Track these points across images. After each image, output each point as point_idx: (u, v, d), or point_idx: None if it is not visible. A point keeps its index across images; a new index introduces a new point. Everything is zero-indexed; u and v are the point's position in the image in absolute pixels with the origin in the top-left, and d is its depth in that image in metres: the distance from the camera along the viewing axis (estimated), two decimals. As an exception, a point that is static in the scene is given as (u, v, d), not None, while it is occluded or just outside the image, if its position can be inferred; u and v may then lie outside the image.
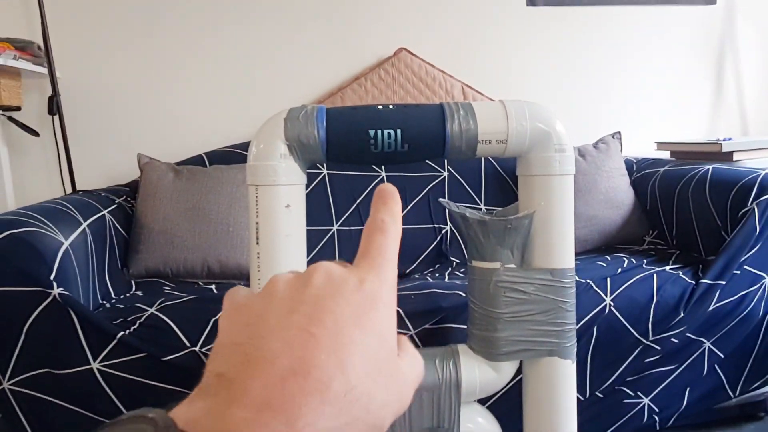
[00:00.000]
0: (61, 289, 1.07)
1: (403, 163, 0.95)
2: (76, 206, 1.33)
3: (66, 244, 1.16)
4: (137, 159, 1.63)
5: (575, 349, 0.95)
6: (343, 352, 0.22)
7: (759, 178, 1.40)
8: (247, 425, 0.19)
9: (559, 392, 0.93)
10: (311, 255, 1.67)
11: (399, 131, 0.87)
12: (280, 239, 0.86)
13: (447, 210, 1.75)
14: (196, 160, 1.77)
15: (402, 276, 1.67)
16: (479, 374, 0.92)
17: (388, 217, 0.28)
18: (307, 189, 1.73)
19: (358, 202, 1.74)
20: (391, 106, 0.90)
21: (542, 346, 0.92)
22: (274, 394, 0.20)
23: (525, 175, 0.94)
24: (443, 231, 1.75)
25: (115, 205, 1.52)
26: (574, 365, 0.94)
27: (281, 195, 0.86)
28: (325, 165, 1.76)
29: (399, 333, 0.26)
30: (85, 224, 1.29)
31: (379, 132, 0.87)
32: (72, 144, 1.79)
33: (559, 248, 0.92)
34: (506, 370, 0.93)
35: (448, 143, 0.89)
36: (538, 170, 0.92)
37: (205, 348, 1.10)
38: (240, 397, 0.20)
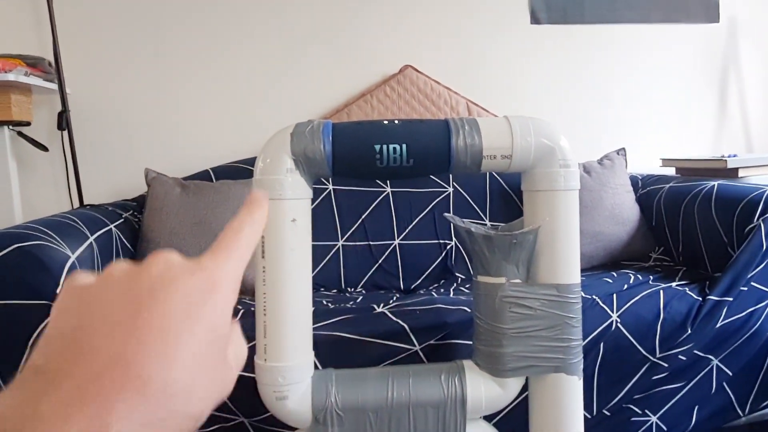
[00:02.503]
0: (67, 302, 1.07)
1: (408, 178, 0.95)
2: (83, 220, 1.34)
3: (73, 257, 1.16)
4: (144, 174, 1.64)
5: (582, 366, 0.94)
6: (167, 346, 0.21)
7: (765, 195, 1.40)
8: (54, 419, 0.19)
9: (565, 409, 0.92)
10: (316, 270, 1.67)
11: (404, 146, 0.88)
12: (285, 253, 0.87)
13: (452, 225, 1.75)
14: (203, 175, 1.78)
15: (407, 291, 1.66)
16: (485, 390, 0.92)
17: (247, 217, 0.28)
18: (312, 204, 1.75)
19: (363, 217, 1.75)
20: (396, 122, 0.91)
21: (548, 362, 0.92)
22: (87, 388, 0.19)
23: (530, 190, 0.94)
24: (448, 246, 1.75)
25: (121, 220, 1.53)
26: (581, 382, 0.93)
27: (287, 209, 0.87)
28: (330, 180, 1.77)
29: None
30: (92, 238, 1.30)
31: (384, 147, 0.87)
32: (80, 159, 1.81)
33: (565, 263, 0.92)
34: (512, 386, 0.93)
35: (453, 158, 0.90)
36: (543, 186, 0.92)
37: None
38: (51, 391, 0.19)
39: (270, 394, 0.87)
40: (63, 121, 1.76)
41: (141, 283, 0.23)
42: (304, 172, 0.89)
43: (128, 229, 1.54)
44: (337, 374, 0.92)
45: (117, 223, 1.49)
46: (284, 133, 0.89)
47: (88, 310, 0.22)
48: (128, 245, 1.52)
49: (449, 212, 1.79)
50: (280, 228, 0.87)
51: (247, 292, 1.51)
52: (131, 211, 1.63)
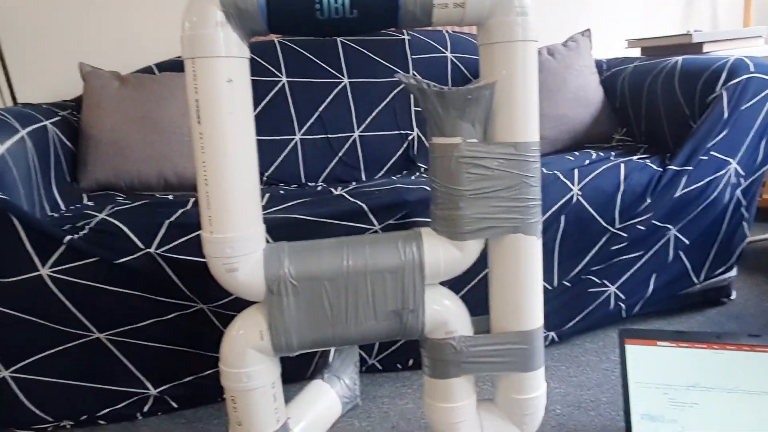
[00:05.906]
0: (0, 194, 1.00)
1: (353, 34, 0.88)
2: (14, 115, 1.24)
3: (2, 149, 1.08)
4: (79, 68, 1.51)
5: (540, 226, 0.93)
6: None
7: (728, 64, 1.37)
8: None
9: (525, 269, 0.92)
10: (274, 165, 1.61)
11: (347, -6, 0.80)
12: (223, 117, 0.80)
13: (412, 109, 1.70)
14: (147, 71, 1.66)
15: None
16: (443, 254, 0.90)
17: None
18: (265, 98, 1.66)
19: (320, 110, 1.67)
20: (337, -32, 0.82)
21: (507, 222, 0.90)
22: None
23: (486, 43, 0.88)
24: (410, 137, 1.70)
25: (58, 117, 1.42)
26: (540, 241, 0.92)
27: (221, 68, 0.79)
28: (284, 71, 1.67)
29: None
30: (23, 132, 1.20)
31: (325, -5, 0.79)
32: (9, 59, 1.66)
33: (523, 120, 0.88)
34: (471, 249, 0.91)
35: (401, 8, 0.82)
36: (500, 37, 0.86)
37: (161, 249, 1.05)
38: None
39: (219, 266, 0.84)
40: (-18, 16, 1.60)
41: None
42: (237, 27, 0.80)
43: (67, 128, 1.44)
44: (290, 246, 0.89)
45: (53, 120, 1.38)
46: (212, -17, 0.79)
47: None
48: (68, 144, 1.42)
49: (410, 103, 1.72)
50: (216, 90, 0.80)
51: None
52: (69, 110, 1.52)
